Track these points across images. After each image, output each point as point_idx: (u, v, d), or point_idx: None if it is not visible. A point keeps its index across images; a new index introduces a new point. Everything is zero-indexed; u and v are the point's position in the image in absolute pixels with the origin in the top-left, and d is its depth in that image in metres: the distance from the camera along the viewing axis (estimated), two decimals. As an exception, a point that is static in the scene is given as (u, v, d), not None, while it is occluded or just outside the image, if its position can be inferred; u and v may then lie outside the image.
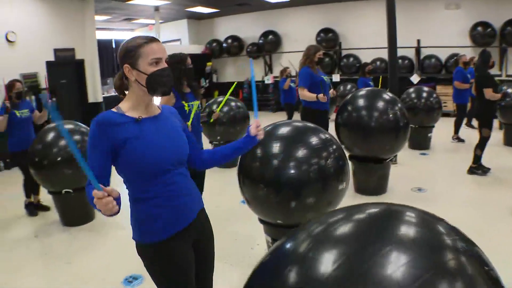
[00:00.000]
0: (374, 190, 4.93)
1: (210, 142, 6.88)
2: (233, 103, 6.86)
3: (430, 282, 0.97)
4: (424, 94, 6.89)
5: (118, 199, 1.46)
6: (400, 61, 11.05)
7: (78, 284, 3.36)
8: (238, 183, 3.08)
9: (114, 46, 14.67)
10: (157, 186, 1.70)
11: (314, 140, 2.96)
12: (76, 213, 4.61)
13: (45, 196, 4.95)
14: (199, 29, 14.82)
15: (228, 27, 14.20)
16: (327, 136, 3.06)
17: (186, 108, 3.32)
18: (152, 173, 1.68)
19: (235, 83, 4.80)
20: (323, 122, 4.96)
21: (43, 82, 7.95)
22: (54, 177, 4.43)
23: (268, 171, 2.84)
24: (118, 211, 1.46)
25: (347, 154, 4.89)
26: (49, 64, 8.45)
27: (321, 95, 4.55)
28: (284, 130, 3.07)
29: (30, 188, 4.98)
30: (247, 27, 13.81)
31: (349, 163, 4.86)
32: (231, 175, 3.53)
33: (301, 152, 2.86)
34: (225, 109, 6.63)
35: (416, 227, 1.21)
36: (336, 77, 11.29)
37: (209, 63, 14.20)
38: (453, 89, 7.42)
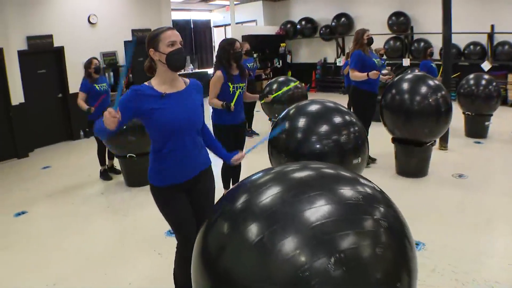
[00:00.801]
0: (414, 173, 5.09)
1: (269, 120, 7.27)
2: (292, 83, 7.15)
3: (343, 238, 1.31)
4: (483, 82, 6.74)
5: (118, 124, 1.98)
6: (471, 47, 10.70)
7: (129, 231, 4.07)
8: (268, 153, 3.47)
9: (192, 26, 15.48)
10: (171, 145, 2.24)
11: (336, 118, 3.25)
12: (138, 175, 5.24)
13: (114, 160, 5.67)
14: (274, 11, 15.17)
15: (302, 9, 14.42)
16: (349, 116, 3.33)
17: (231, 89, 3.74)
18: (169, 136, 2.23)
19: (296, 82, 5.02)
20: (371, 104, 5.20)
21: (121, 60, 8.79)
22: (120, 143, 5.08)
23: (292, 143, 3.19)
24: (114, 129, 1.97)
25: (390, 136, 5.11)
26: (127, 43, 9.27)
27: (372, 72, 4.84)
28: (312, 108, 3.39)
29: (104, 156, 5.66)
30: (320, 9, 13.95)
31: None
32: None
33: (323, 128, 3.17)
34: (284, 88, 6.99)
35: (350, 190, 1.51)
36: (406, 62, 11.15)
37: (283, 44, 14.55)
38: None
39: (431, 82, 4.87)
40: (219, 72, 3.85)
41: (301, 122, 3.26)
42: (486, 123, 6.92)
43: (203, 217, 2.41)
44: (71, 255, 3.62)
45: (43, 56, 8.00)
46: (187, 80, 2.38)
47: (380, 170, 5.37)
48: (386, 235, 1.40)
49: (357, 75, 5.00)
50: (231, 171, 4.20)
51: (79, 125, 8.39)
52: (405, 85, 4.90)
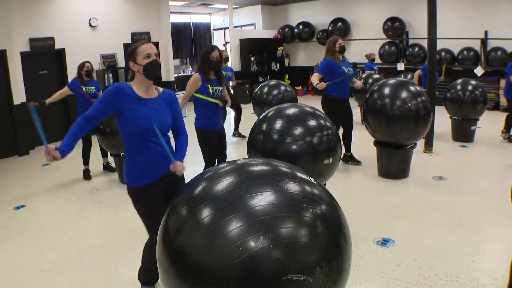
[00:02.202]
0: (395, 175, 5.29)
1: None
2: (282, 87, 7.41)
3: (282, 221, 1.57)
4: (469, 87, 6.94)
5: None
6: (464, 52, 10.87)
7: (119, 224, 4.35)
8: (247, 152, 3.70)
9: (192, 29, 15.72)
10: (142, 145, 2.47)
11: (311, 122, 3.49)
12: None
13: (110, 157, 5.91)
14: (272, 15, 15.43)
15: (300, 13, 14.69)
16: (324, 120, 3.57)
17: (210, 90, 3.98)
18: (140, 135, 2.44)
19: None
20: (343, 110, 5.44)
21: (120, 62, 9.06)
22: (114, 142, 5.33)
23: (268, 143, 3.42)
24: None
25: (372, 139, 5.32)
26: (126, 46, 9.54)
27: (320, 84, 5.17)
28: (290, 111, 3.62)
29: (87, 157, 5.90)
30: (317, 14, 14.20)
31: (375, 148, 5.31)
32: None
33: (298, 130, 3.41)
34: (274, 92, 7.24)
35: (295, 185, 1.76)
36: (400, 66, 11.39)
37: (280, 48, 14.79)
38: (505, 84, 7.31)
39: (412, 88, 5.09)
40: (196, 74, 4.08)
41: (278, 124, 3.50)
42: (473, 127, 7.11)
43: None
44: (64, 245, 3.91)
45: (44, 58, 8.30)
46: (160, 89, 2.63)
47: (363, 172, 5.59)
48: (320, 223, 1.65)
49: (313, 80, 5.28)
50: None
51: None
52: (387, 90, 5.12)
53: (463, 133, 7.15)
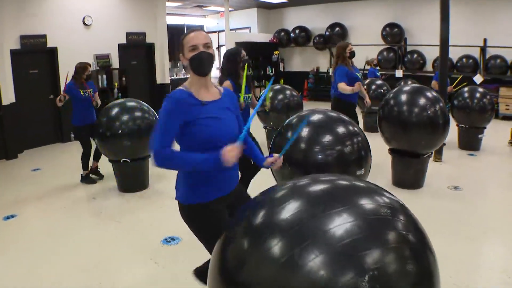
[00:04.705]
0: (410, 184, 5.07)
1: (264, 128, 7.25)
2: (288, 92, 7.19)
3: (369, 256, 1.27)
4: (477, 95, 6.79)
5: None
6: (464, 60, 10.79)
7: (122, 239, 3.95)
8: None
9: (185, 31, 15.38)
10: None
11: (340, 129, 3.22)
12: (131, 180, 5.17)
13: (106, 164, 5.53)
14: (268, 18, 15.21)
15: (296, 17, 14.48)
16: (354, 127, 3.30)
17: (242, 99, 3.62)
18: (210, 146, 2.00)
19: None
20: (352, 113, 5.32)
21: (114, 63, 8.70)
22: (115, 147, 5.00)
23: (295, 153, 3.14)
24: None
25: (385, 146, 5.11)
26: (121, 46, 9.19)
27: (357, 84, 4.95)
28: (316, 118, 3.35)
29: (88, 161, 5.57)
30: (314, 18, 14.01)
31: (390, 156, 5.11)
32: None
33: (326, 139, 3.14)
34: (280, 96, 7.01)
35: (375, 206, 1.46)
36: (398, 73, 11.26)
37: (276, 52, 14.55)
38: None
39: (429, 94, 4.89)
40: (228, 82, 3.70)
41: (304, 132, 3.22)
42: (480, 136, 6.97)
43: None
44: (62, 262, 3.51)
45: (36, 56, 7.88)
46: (221, 89, 2.24)
47: (376, 181, 5.32)
48: (410, 248, 1.38)
49: (346, 88, 5.02)
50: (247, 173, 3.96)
51: (70, 128, 8.25)
52: (404, 97, 4.91)
53: (470, 141, 7.00)
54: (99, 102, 5.54)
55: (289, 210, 1.41)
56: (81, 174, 5.64)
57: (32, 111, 7.80)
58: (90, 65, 5.46)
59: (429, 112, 4.69)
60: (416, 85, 5.30)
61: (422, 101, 4.78)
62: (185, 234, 3.85)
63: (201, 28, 16.06)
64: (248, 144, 2.35)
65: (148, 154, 5.23)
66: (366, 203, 1.45)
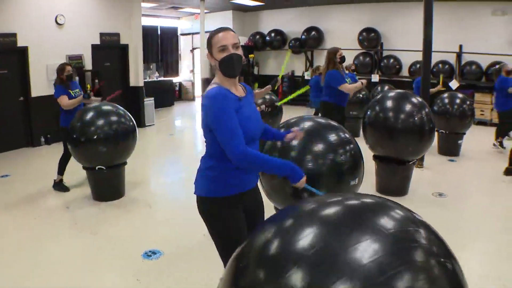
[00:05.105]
0: (395, 191, 4.99)
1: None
2: (267, 96, 7.10)
3: (397, 277, 1.11)
4: (457, 101, 6.84)
5: None
6: (440, 65, 10.89)
7: (100, 253, 3.66)
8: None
9: (159, 33, 15.10)
10: None
11: (332, 136, 3.08)
12: (107, 189, 4.91)
13: (80, 171, 5.24)
14: (243, 21, 15.05)
15: (272, 21, 14.37)
16: (345, 134, 3.17)
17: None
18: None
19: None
20: (341, 116, 5.28)
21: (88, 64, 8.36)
22: (89, 153, 4.72)
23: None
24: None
25: (371, 153, 5.03)
26: (94, 47, 8.86)
27: (361, 80, 5.18)
28: (305, 125, 3.20)
29: (65, 166, 5.29)
30: (290, 22, 13.94)
31: (374, 163, 5.03)
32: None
33: (318, 147, 3.00)
34: (259, 101, 6.90)
35: (396, 223, 1.32)
36: (375, 78, 11.27)
37: (251, 55, 14.36)
38: (495, 97, 7.41)
39: (415, 100, 4.84)
40: None
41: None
42: (459, 141, 7.01)
43: None
44: (33, 280, 3.22)
45: (5, 56, 7.45)
46: (243, 87, 2.22)
47: (360, 188, 5.25)
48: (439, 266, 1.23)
49: (350, 88, 5.06)
50: None
51: (41, 131, 7.90)
52: (389, 103, 4.84)
53: (450, 147, 7.03)
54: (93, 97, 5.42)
55: (310, 238, 1.24)
56: (54, 180, 5.34)
57: (0, 114, 7.39)
58: (69, 65, 5.20)
59: (416, 118, 4.64)
60: (401, 90, 5.24)
61: (408, 107, 4.73)
62: (166, 247, 3.67)
63: (174, 30, 15.82)
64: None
65: (124, 161, 5.01)
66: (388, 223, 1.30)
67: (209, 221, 2.13)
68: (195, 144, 9.09)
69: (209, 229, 2.15)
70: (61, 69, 5.10)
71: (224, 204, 2.08)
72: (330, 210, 1.38)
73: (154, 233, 4.05)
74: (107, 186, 4.93)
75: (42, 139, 8.01)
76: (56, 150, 5.44)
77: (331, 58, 5.14)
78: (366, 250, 1.16)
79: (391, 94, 5.00)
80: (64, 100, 5.01)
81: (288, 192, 3.01)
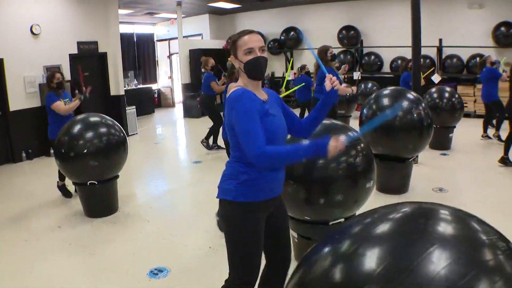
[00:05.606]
0: (396, 189, 4.93)
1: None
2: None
3: (476, 279, 1.02)
4: (446, 94, 6.87)
5: None
6: (421, 60, 10.92)
7: (101, 275, 3.40)
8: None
9: (135, 40, 14.83)
10: None
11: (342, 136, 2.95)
12: (100, 204, 4.68)
13: (69, 186, 5.00)
14: (220, 24, 14.89)
15: (250, 22, 14.22)
16: (352, 133, 3.06)
17: None
18: (268, 142, 1.93)
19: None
20: (332, 113, 5.29)
21: (66, 74, 8.05)
22: (80, 168, 4.49)
23: (298, 168, 2.85)
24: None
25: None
26: (72, 56, 8.56)
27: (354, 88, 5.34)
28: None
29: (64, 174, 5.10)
30: (268, 23, 13.86)
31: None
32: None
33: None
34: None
35: (453, 224, 1.27)
36: (356, 75, 11.26)
37: (230, 58, 14.18)
38: (482, 89, 7.44)
39: (410, 96, 4.79)
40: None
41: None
42: (450, 135, 7.03)
43: (279, 241, 2.24)
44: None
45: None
46: (265, 91, 2.18)
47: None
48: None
49: (342, 89, 5.03)
50: None
51: (21, 146, 7.57)
52: (386, 100, 4.79)
53: (442, 141, 7.03)
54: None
55: (376, 255, 1.12)
56: (57, 181, 5.28)
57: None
58: (59, 72, 5.04)
59: (414, 114, 4.58)
60: (397, 87, 5.18)
61: (405, 104, 4.67)
62: (172, 263, 3.46)
63: (150, 36, 15.54)
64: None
65: (117, 174, 4.79)
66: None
67: (231, 226, 2.09)
68: (180, 152, 8.93)
69: (228, 235, 2.10)
70: (51, 76, 4.97)
71: (250, 209, 2.04)
72: (382, 225, 1.29)
73: (157, 249, 3.81)
74: (100, 201, 4.69)
75: (24, 155, 7.68)
76: (38, 165, 5.16)
77: (323, 56, 5.16)
78: (436, 257, 1.08)
79: (386, 92, 4.93)
80: (60, 106, 4.87)
81: (301, 199, 2.88)
